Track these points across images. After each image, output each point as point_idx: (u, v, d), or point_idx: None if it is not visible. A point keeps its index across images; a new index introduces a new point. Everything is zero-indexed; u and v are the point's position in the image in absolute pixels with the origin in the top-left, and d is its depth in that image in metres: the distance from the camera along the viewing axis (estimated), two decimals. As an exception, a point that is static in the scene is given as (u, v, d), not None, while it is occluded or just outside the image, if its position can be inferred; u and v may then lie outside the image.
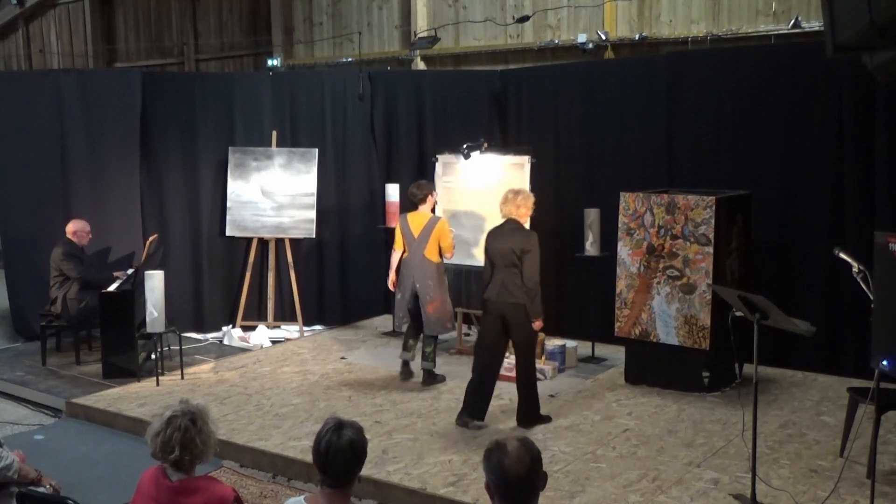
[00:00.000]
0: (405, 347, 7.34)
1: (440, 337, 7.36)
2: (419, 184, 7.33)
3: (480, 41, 10.65)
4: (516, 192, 6.23)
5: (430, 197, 7.22)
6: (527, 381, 6.17)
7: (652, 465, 5.42)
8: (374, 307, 9.56)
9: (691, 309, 6.65)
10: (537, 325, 6.05)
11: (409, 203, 7.34)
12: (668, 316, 6.77)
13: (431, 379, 7.19)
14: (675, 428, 6.06)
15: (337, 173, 9.45)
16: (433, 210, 7.35)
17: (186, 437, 3.30)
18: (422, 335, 7.22)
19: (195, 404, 3.43)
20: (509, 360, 7.38)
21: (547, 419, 6.24)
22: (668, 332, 6.77)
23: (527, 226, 6.31)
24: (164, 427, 3.32)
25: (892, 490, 5.01)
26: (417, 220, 7.15)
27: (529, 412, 6.19)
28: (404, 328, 7.49)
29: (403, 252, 7.21)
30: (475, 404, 6.16)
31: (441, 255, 7.16)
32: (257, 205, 9.20)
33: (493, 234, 6.18)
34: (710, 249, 6.52)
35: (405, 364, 7.35)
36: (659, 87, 8.03)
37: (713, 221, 6.51)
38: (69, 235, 8.21)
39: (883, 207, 6.91)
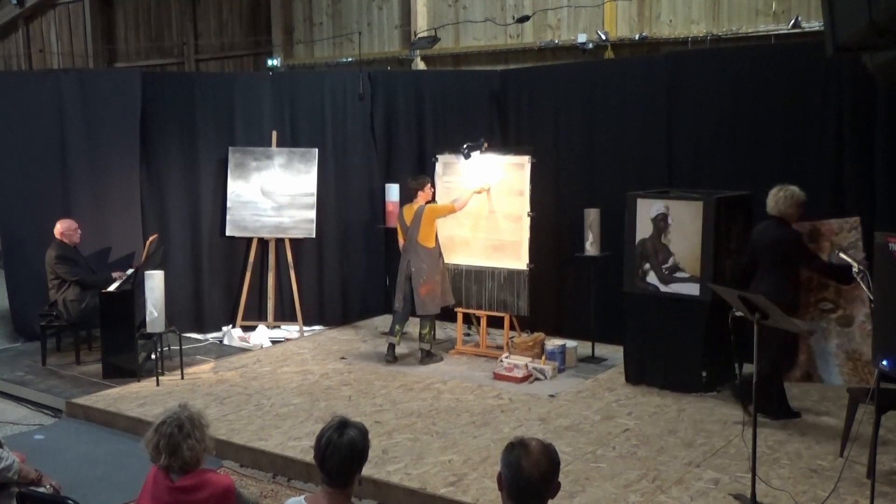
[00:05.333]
0: (392, 332, 7.79)
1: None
2: (416, 177, 8.04)
3: (480, 41, 10.65)
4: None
5: (421, 192, 7.77)
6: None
7: (652, 465, 5.42)
8: (374, 307, 9.56)
9: (852, 343, 6.00)
10: None
11: (408, 196, 8.05)
12: (827, 354, 6.10)
13: (428, 358, 7.73)
14: (675, 428, 6.06)
15: (337, 173, 9.44)
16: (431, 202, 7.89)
17: (171, 443, 3.34)
18: (419, 318, 7.75)
19: (190, 410, 3.44)
20: (509, 360, 7.41)
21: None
22: (829, 372, 6.13)
23: None
24: (153, 433, 3.40)
25: (892, 490, 5.01)
26: (409, 210, 7.81)
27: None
28: (400, 309, 7.82)
29: (404, 240, 7.80)
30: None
31: (437, 241, 7.75)
32: (257, 205, 9.19)
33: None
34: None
35: (391, 347, 7.78)
36: (659, 87, 8.02)
37: (860, 243, 5.89)
38: (58, 236, 8.15)
39: (883, 207, 6.90)
